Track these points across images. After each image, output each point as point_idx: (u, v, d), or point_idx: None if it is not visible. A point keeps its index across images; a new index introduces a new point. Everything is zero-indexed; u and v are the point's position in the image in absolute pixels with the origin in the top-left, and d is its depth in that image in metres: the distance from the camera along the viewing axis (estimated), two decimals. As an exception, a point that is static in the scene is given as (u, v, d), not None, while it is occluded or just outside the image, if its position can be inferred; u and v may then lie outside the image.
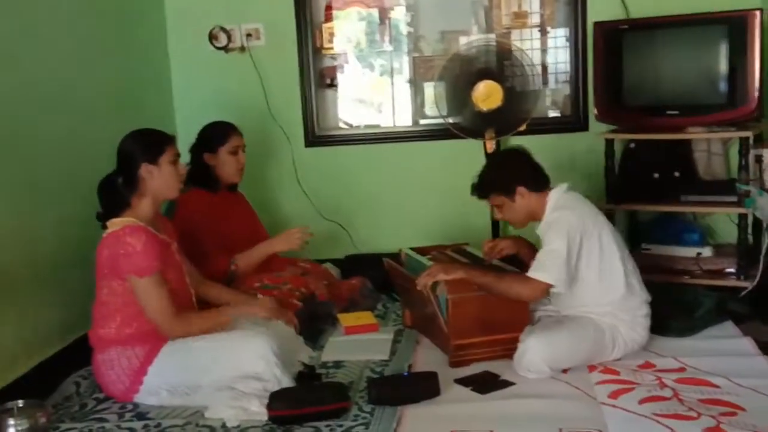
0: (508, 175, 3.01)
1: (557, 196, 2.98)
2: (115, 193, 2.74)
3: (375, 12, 4.39)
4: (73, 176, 3.21)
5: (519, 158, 3.08)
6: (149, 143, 2.79)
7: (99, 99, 3.54)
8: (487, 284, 2.91)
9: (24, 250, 2.94)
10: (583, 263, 2.88)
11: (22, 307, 2.92)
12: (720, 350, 2.95)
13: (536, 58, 4.22)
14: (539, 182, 3.01)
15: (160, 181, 2.78)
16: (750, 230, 3.60)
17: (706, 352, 2.93)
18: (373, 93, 4.51)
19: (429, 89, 4.24)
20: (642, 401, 2.53)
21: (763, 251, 3.50)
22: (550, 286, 2.83)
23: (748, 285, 3.48)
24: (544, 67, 4.29)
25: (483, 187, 3.07)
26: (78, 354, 2.91)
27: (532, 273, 2.86)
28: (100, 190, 2.77)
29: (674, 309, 3.15)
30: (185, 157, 3.52)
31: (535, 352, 2.77)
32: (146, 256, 2.65)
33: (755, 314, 3.31)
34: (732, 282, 3.56)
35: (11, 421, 2.44)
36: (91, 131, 3.41)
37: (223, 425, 2.50)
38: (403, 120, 4.45)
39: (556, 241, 2.88)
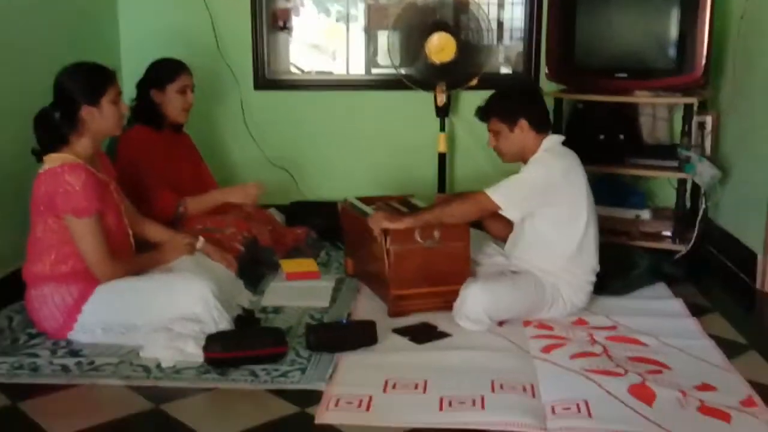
0: (515, 105, 3.01)
1: (551, 144, 3.01)
2: (53, 129, 2.65)
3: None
4: (8, 107, 3.10)
5: (531, 93, 3.10)
6: (90, 83, 2.69)
7: (40, 27, 3.42)
8: (435, 217, 2.95)
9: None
10: (548, 214, 2.93)
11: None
12: (651, 310, 3.04)
13: (493, 13, 4.20)
14: (542, 123, 3.03)
15: (101, 121, 2.70)
16: (689, 195, 3.68)
17: (638, 312, 3.01)
18: (328, 39, 4.44)
19: (383, 38, 4.19)
20: (573, 356, 2.59)
21: (699, 216, 3.59)
22: (498, 207, 2.88)
23: (683, 249, 3.57)
24: (500, 23, 4.27)
25: (487, 110, 3.06)
26: (11, 288, 2.85)
27: (486, 190, 2.91)
28: (36, 125, 2.67)
29: (610, 268, 3.20)
30: (131, 92, 3.45)
31: (476, 300, 2.81)
32: (85, 196, 2.59)
33: (688, 277, 3.40)
34: (668, 245, 3.64)
35: (-61, 354, 2.40)
36: (31, 61, 3.30)
37: (158, 365, 2.49)
38: (357, 68, 4.39)
39: (527, 173, 2.93)
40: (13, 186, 3.00)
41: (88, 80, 2.71)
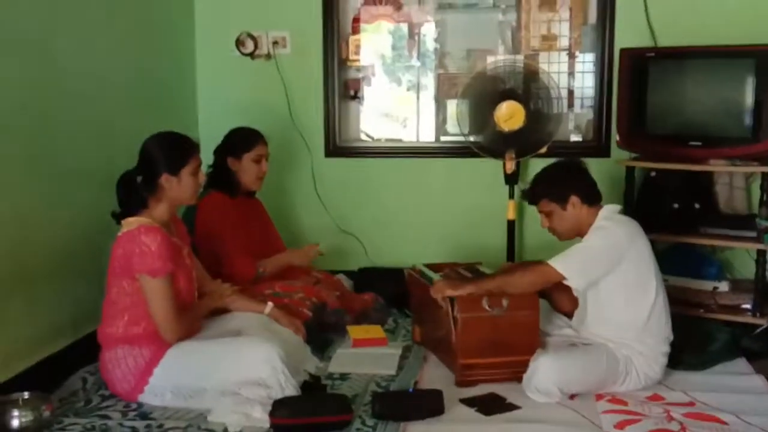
0: (563, 183, 2.99)
1: (609, 213, 2.97)
2: (134, 192, 2.76)
3: (404, 26, 4.40)
4: (97, 169, 3.23)
5: (576, 169, 3.07)
6: (173, 153, 2.80)
7: (125, 97, 3.58)
8: (497, 285, 2.92)
9: (41, 243, 2.96)
10: (614, 283, 2.86)
11: (36, 299, 2.94)
12: (731, 387, 2.92)
13: (563, 81, 4.22)
14: (593, 196, 3.00)
15: (178, 190, 2.80)
16: (768, 267, 3.56)
17: (716, 388, 2.89)
18: (399, 107, 4.51)
19: (452, 106, 4.24)
20: (648, 433, 2.50)
21: (781, 289, 3.46)
22: (562, 276, 2.84)
23: (764, 322, 3.44)
24: (570, 91, 4.28)
25: (536, 192, 3.04)
26: (88, 349, 2.91)
27: (550, 260, 2.86)
28: (119, 187, 2.78)
29: (687, 342, 3.11)
30: (208, 158, 3.56)
31: (546, 372, 2.75)
32: (160, 257, 2.66)
33: (769, 352, 3.27)
34: (747, 318, 3.51)
35: (15, 412, 2.47)
36: (115, 129, 3.44)
37: (225, 430, 2.50)
38: (427, 136, 4.44)
39: (590, 241, 2.89)
40: (92, 250, 3.11)
41: (172, 150, 2.82)
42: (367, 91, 4.48)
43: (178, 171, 2.78)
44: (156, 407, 2.67)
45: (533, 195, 3.05)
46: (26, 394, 2.55)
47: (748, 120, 3.48)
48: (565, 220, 2.97)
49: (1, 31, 2.73)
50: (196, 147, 2.88)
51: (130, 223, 2.73)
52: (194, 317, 2.84)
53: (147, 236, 2.67)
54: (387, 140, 4.46)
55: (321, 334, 3.28)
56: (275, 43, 4.25)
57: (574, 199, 2.95)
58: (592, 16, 4.17)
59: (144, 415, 2.63)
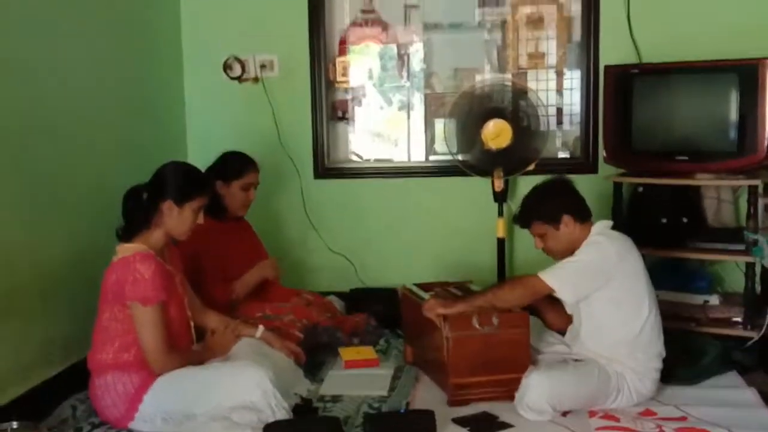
0: (555, 204, 2.98)
1: (601, 229, 2.97)
2: (139, 206, 2.76)
3: (393, 47, 4.42)
4: (84, 196, 3.24)
5: (564, 187, 3.06)
6: (186, 184, 2.82)
7: (112, 120, 3.58)
8: (487, 301, 2.92)
9: (30, 268, 2.95)
10: (607, 298, 2.87)
11: (26, 325, 2.93)
12: (723, 400, 2.91)
13: (551, 99, 4.24)
14: (584, 213, 3.00)
15: (176, 221, 2.80)
16: (758, 279, 3.57)
17: (708, 402, 2.89)
18: (389, 127, 4.52)
19: (440, 126, 4.26)
20: (641, 449, 2.50)
21: (771, 301, 3.47)
22: (551, 289, 2.84)
23: (755, 335, 3.44)
24: (559, 109, 4.30)
25: (527, 215, 3.03)
26: (79, 376, 2.89)
27: (540, 273, 2.86)
28: (126, 198, 2.79)
29: (679, 356, 3.11)
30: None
31: (538, 389, 2.74)
32: (153, 285, 2.66)
33: (760, 365, 3.27)
34: (738, 331, 3.51)
35: (4, 443, 2.45)
36: (105, 152, 3.45)
37: (216, 456, 2.49)
38: (418, 155, 4.46)
39: (581, 255, 2.89)
40: (82, 275, 3.10)
41: (186, 181, 2.84)
42: (357, 112, 4.49)
43: (183, 202, 2.79)
44: (147, 434, 2.66)
45: (524, 218, 3.04)
46: (15, 424, 2.53)
47: (732, 134, 3.50)
48: (559, 240, 2.97)
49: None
50: (208, 189, 2.92)
51: (126, 249, 2.73)
52: (187, 361, 2.79)
53: (142, 264, 2.67)
54: (376, 161, 4.48)
55: (312, 356, 3.27)
56: (263, 66, 4.27)
57: (566, 219, 2.95)
58: (577, 33, 4.21)
59: (135, 442, 2.61)
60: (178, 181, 2.81)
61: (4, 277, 2.80)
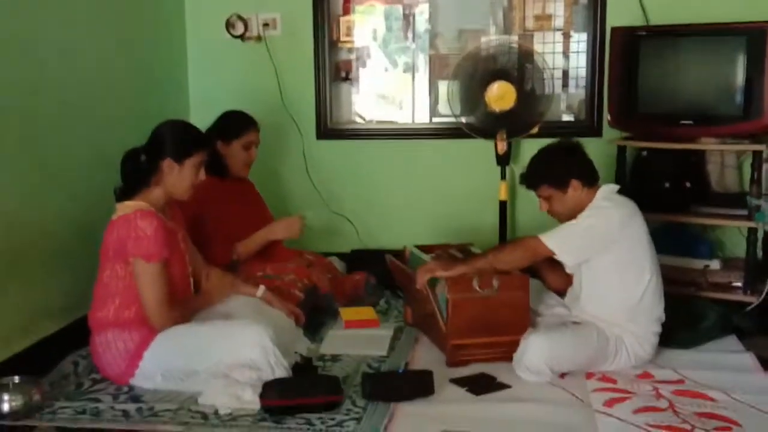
0: (563, 167, 2.95)
1: (607, 193, 2.95)
2: (136, 168, 2.75)
3: (398, 8, 4.37)
4: (87, 158, 3.23)
5: (573, 150, 3.02)
6: (183, 141, 2.80)
7: (113, 81, 3.56)
8: (488, 263, 2.92)
9: (32, 229, 2.96)
10: (609, 262, 2.86)
11: (27, 283, 2.94)
12: (721, 364, 2.92)
13: (558, 61, 4.20)
14: (592, 177, 2.97)
15: (176, 179, 2.78)
16: (760, 245, 3.56)
17: (706, 366, 2.90)
18: (394, 89, 4.49)
19: (443, 87, 4.22)
20: (636, 411, 2.51)
21: (772, 266, 3.47)
22: (552, 251, 2.84)
23: (755, 300, 3.45)
24: (565, 72, 4.26)
25: (535, 178, 3.00)
26: (80, 333, 2.91)
27: (541, 235, 2.86)
28: (124, 161, 2.77)
29: (678, 320, 3.11)
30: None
31: (537, 351, 2.75)
32: (155, 242, 2.66)
33: (760, 330, 3.27)
34: (738, 296, 3.52)
35: (6, 396, 2.47)
36: (105, 114, 3.43)
37: (216, 412, 2.51)
38: (423, 117, 4.42)
39: (584, 219, 2.87)
40: (82, 235, 3.11)
41: (183, 138, 2.82)
42: (362, 73, 4.45)
43: (182, 159, 2.77)
44: (147, 390, 2.68)
45: (532, 180, 3.01)
46: (16, 378, 2.56)
47: (739, 98, 3.47)
48: (565, 203, 2.95)
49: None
50: (206, 144, 2.89)
51: (126, 207, 2.73)
52: (188, 311, 2.82)
53: (143, 221, 2.66)
54: (378, 122, 4.45)
55: (313, 316, 3.28)
56: (265, 25, 4.23)
57: (574, 183, 2.92)
58: (584, -6, 4.15)
59: (135, 398, 2.63)
60: (176, 138, 2.80)
61: (6, 237, 2.81)
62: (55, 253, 3.08)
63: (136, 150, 2.78)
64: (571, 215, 2.94)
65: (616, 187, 3.02)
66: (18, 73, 2.89)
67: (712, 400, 2.60)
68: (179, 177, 2.79)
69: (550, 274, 3.18)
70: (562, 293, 3.16)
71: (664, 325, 2.96)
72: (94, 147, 3.25)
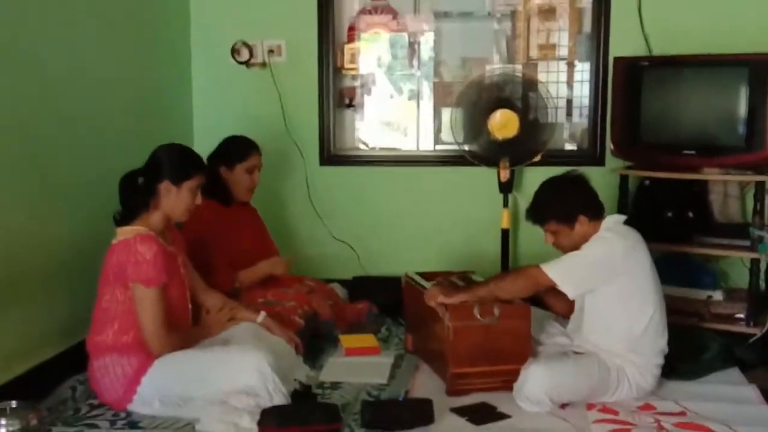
0: (571, 204, 2.93)
1: (612, 224, 2.93)
2: (134, 192, 2.76)
3: (403, 35, 4.40)
4: (90, 181, 3.23)
5: (579, 184, 3.00)
6: (181, 164, 2.81)
7: (118, 104, 3.57)
8: (489, 291, 2.90)
9: (33, 250, 2.95)
10: (612, 294, 2.84)
11: (29, 306, 2.93)
12: (723, 396, 2.90)
13: (562, 91, 4.22)
14: (598, 211, 2.96)
15: (174, 201, 2.80)
16: (762, 276, 3.55)
17: (708, 398, 2.88)
18: (399, 115, 4.51)
19: (447, 115, 4.24)
20: (638, 443, 2.49)
21: (775, 298, 3.45)
22: (553, 282, 2.81)
23: (758, 332, 3.43)
24: (569, 101, 4.27)
25: (542, 214, 2.97)
26: (79, 357, 2.89)
27: (543, 265, 2.84)
28: (121, 185, 2.79)
29: (680, 351, 3.09)
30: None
31: (537, 381, 2.73)
32: (155, 267, 2.66)
33: (763, 362, 3.25)
34: (741, 328, 3.50)
35: (2, 421, 2.44)
36: (111, 138, 3.44)
37: (213, 439, 2.49)
38: (427, 144, 4.44)
39: (587, 250, 2.85)
40: (83, 259, 3.10)
41: (181, 161, 2.83)
42: (366, 100, 4.48)
43: (180, 182, 2.78)
44: (145, 416, 2.66)
45: (538, 216, 2.99)
46: (14, 403, 2.53)
47: (741, 129, 3.48)
48: (571, 238, 2.93)
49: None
50: (204, 167, 2.90)
51: (126, 231, 2.73)
52: (186, 341, 2.81)
53: (143, 245, 2.67)
54: (381, 149, 4.46)
55: (313, 343, 3.27)
56: (270, 51, 4.26)
57: (581, 218, 2.91)
58: (587, 24, 4.17)
59: (133, 424, 2.61)
60: (173, 161, 2.81)
61: (8, 261, 2.80)
62: (56, 275, 3.07)
63: (133, 173, 2.79)
64: (576, 247, 2.92)
65: (623, 217, 3.00)
66: (23, 92, 2.90)
67: (714, 432, 2.58)
68: (177, 200, 2.79)
69: (554, 299, 3.16)
70: (566, 316, 3.13)
71: (666, 356, 2.94)
72: (98, 169, 3.26)
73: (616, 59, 3.81)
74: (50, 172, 3.05)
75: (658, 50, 3.92)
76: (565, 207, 2.93)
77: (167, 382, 2.66)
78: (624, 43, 3.98)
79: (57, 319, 3.09)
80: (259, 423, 2.48)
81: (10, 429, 2.44)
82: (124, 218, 2.77)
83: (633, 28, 3.97)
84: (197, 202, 2.86)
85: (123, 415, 2.68)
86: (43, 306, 3.02)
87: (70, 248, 3.14)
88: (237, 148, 3.52)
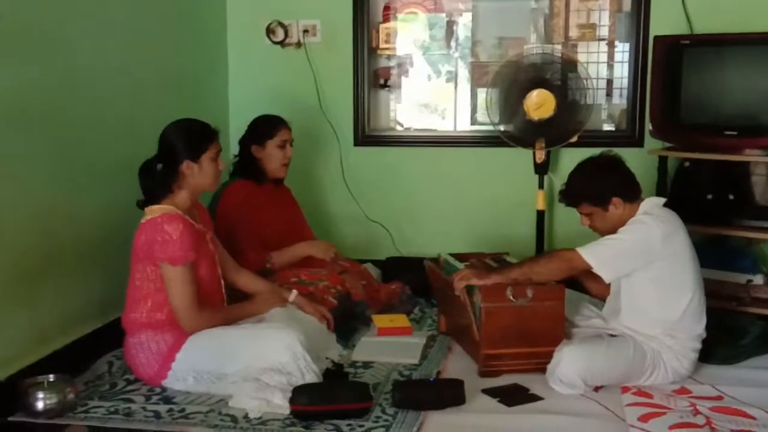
0: (604, 185, 2.88)
1: (650, 207, 2.88)
2: (155, 179, 2.77)
3: (440, 15, 4.36)
4: (124, 160, 3.24)
5: (614, 166, 2.95)
6: (193, 140, 2.81)
7: (155, 86, 3.61)
8: (523, 273, 2.88)
9: (68, 230, 3.00)
10: (649, 278, 2.80)
11: (65, 283, 2.98)
12: (761, 381, 2.85)
13: (602, 71, 4.15)
14: (634, 192, 2.91)
15: (199, 177, 2.81)
16: (805, 260, 3.47)
17: (746, 382, 2.83)
18: (437, 97, 4.48)
19: (482, 95, 4.20)
20: (672, 427, 2.46)
21: (817, 282, 3.37)
22: (589, 265, 2.78)
23: (798, 316, 3.35)
24: (609, 81, 4.20)
25: (575, 196, 2.94)
26: (116, 333, 2.94)
27: (579, 248, 2.80)
28: (141, 175, 2.81)
29: (719, 335, 3.05)
30: (235, 148, 3.59)
31: (570, 363, 2.71)
32: (181, 246, 2.68)
33: (803, 347, 3.18)
34: (782, 312, 3.43)
35: (40, 395, 2.51)
36: (145, 117, 3.45)
37: (246, 416, 2.51)
38: (464, 125, 4.40)
39: (625, 234, 2.81)
40: (118, 238, 3.12)
41: (192, 137, 2.82)
42: (403, 81, 4.45)
43: (198, 157, 2.79)
44: (179, 392, 2.70)
45: (572, 198, 2.95)
46: (51, 377, 2.60)
47: (785, 109, 3.39)
48: (606, 220, 2.89)
49: (22, 26, 2.74)
50: (215, 133, 2.88)
51: (153, 211, 2.75)
52: (220, 318, 2.82)
53: (169, 225, 2.69)
54: (416, 129, 4.44)
55: (345, 322, 3.28)
56: (305, 31, 4.24)
57: (615, 200, 2.86)
58: (627, 3, 4.09)
59: (167, 400, 2.65)
60: (185, 139, 2.80)
61: (44, 240, 2.85)
62: (90, 254, 3.11)
63: (150, 161, 2.80)
64: (613, 230, 2.87)
65: (662, 200, 2.94)
66: (56, 75, 2.92)
67: (751, 417, 2.54)
68: (201, 174, 2.80)
69: (590, 281, 3.11)
70: (603, 300, 3.09)
71: (704, 341, 2.89)
72: (131, 150, 3.28)
73: (656, 38, 3.73)
74: (82, 154, 3.08)
75: (699, 28, 3.82)
76: (598, 188, 2.88)
77: (201, 358, 2.69)
78: (665, 22, 3.89)
79: (93, 295, 3.14)
80: (291, 400, 2.50)
81: (48, 402, 2.51)
82: (148, 204, 2.79)
83: (674, 6, 3.88)
84: (221, 168, 2.88)
85: (158, 390, 2.72)
86: (79, 281, 3.06)
87: (104, 226, 3.17)
88: (265, 126, 3.54)
